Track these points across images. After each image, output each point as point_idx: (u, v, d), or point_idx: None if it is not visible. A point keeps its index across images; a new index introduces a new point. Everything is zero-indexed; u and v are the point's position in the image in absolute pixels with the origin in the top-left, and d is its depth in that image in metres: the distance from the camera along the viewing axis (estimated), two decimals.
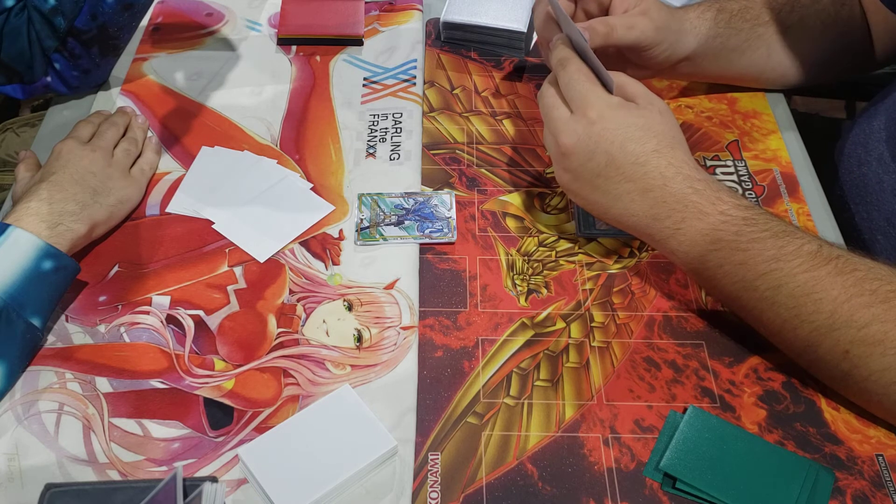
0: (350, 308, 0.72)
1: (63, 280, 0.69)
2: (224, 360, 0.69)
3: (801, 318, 0.62)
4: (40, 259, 0.67)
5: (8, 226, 0.67)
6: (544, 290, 0.74)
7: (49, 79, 0.87)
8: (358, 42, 0.97)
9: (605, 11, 0.79)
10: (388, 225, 0.78)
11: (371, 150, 0.85)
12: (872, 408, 0.64)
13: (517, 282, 0.74)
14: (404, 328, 0.70)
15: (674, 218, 0.66)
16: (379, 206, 0.79)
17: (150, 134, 0.86)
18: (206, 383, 0.67)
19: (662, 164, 0.66)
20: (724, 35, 0.83)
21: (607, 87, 0.70)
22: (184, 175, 0.83)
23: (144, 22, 0.99)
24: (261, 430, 0.64)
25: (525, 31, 0.94)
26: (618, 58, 0.80)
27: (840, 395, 0.65)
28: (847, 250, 0.64)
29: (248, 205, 0.80)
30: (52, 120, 0.90)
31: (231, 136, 0.87)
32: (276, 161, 0.84)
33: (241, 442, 0.63)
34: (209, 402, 0.66)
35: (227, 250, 0.76)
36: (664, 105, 0.70)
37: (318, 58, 0.96)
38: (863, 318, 0.60)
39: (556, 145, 0.70)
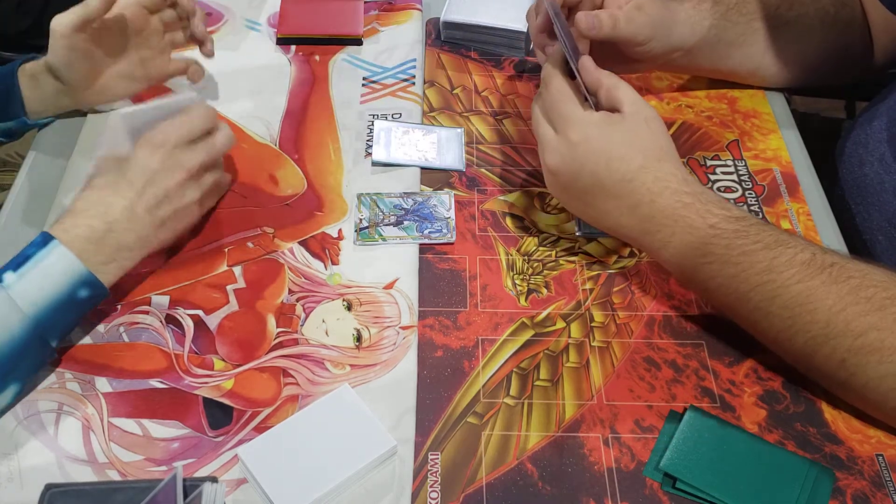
0: (349, 308, 0.72)
1: (92, 306, 0.67)
2: (223, 359, 0.68)
3: (796, 329, 0.62)
4: (78, 287, 0.64)
5: (52, 239, 0.64)
6: (544, 290, 0.74)
7: None
8: (357, 42, 0.97)
9: (599, 7, 0.79)
10: (387, 225, 0.78)
11: (370, 150, 0.85)
12: (871, 412, 0.64)
13: (517, 281, 0.74)
14: (404, 328, 0.70)
15: (664, 232, 0.66)
16: (378, 206, 0.79)
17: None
18: (206, 383, 0.67)
19: (649, 179, 0.66)
20: (719, 27, 0.83)
21: (590, 100, 0.69)
22: None
23: None
24: (260, 429, 0.64)
25: (525, 30, 0.94)
26: (612, 51, 0.80)
27: None
28: (843, 256, 0.63)
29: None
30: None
31: None
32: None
33: (241, 442, 0.63)
34: (209, 402, 0.66)
35: (226, 250, 0.76)
36: (651, 112, 0.69)
37: (317, 57, 0.96)
38: (859, 327, 0.59)
39: (543, 163, 0.70)
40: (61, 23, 0.76)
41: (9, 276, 0.62)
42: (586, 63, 0.70)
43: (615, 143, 0.67)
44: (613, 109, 0.69)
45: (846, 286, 0.61)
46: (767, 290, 0.62)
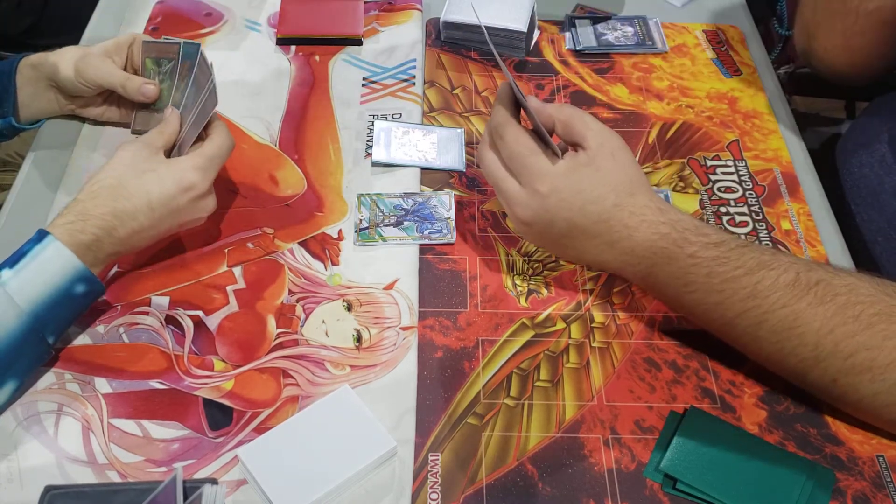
0: (349, 308, 0.72)
1: (89, 303, 0.67)
2: (223, 360, 0.68)
3: (785, 352, 0.61)
4: (74, 282, 0.64)
5: (47, 234, 0.64)
6: (544, 291, 0.74)
7: None
8: (357, 42, 0.97)
9: None
10: (387, 226, 0.78)
11: (370, 150, 0.85)
12: (870, 422, 0.64)
13: (517, 282, 0.74)
14: (404, 328, 0.70)
15: (644, 264, 0.65)
16: (378, 207, 0.79)
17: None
18: (206, 384, 0.67)
19: (625, 215, 0.65)
20: None
21: (551, 146, 0.67)
22: None
23: (144, 21, 0.99)
24: (260, 430, 0.64)
25: (525, 30, 0.94)
26: None
27: None
28: (829, 271, 0.62)
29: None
30: (51, 120, 0.90)
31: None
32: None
33: (241, 443, 0.63)
34: (208, 403, 0.66)
35: (226, 250, 0.76)
36: (617, 141, 0.67)
37: (317, 57, 0.96)
38: (848, 348, 0.59)
39: (513, 216, 0.68)
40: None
41: (5, 273, 0.62)
42: (535, 104, 0.67)
43: (585, 187, 0.65)
44: (575, 144, 0.67)
45: (833, 306, 0.60)
46: (753, 316, 0.61)
